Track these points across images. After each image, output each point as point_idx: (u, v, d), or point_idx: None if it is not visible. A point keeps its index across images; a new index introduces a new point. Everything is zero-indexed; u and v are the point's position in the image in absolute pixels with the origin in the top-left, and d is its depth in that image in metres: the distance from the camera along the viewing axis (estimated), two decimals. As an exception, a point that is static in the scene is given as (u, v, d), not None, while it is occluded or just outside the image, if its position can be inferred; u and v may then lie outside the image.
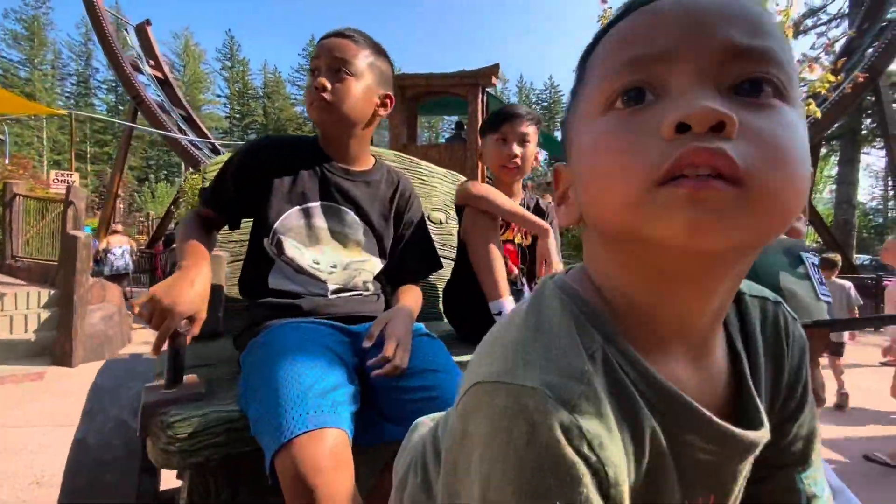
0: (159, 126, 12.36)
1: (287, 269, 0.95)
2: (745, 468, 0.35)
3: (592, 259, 0.36)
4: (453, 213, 1.58)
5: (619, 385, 0.30)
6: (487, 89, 7.34)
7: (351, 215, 0.99)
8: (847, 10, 15.04)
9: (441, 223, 1.56)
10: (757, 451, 0.35)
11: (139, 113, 12.71)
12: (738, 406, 0.36)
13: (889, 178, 11.94)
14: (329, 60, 0.92)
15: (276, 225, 0.94)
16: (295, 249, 0.94)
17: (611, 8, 5.73)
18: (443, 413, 0.51)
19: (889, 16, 11.56)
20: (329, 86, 0.91)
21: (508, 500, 0.26)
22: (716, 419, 0.32)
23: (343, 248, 0.99)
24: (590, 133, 0.32)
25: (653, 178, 0.27)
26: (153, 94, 13.40)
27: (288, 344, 0.78)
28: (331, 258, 0.97)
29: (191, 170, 8.37)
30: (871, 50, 10.86)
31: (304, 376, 0.71)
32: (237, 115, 45.75)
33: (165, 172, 39.37)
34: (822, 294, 0.66)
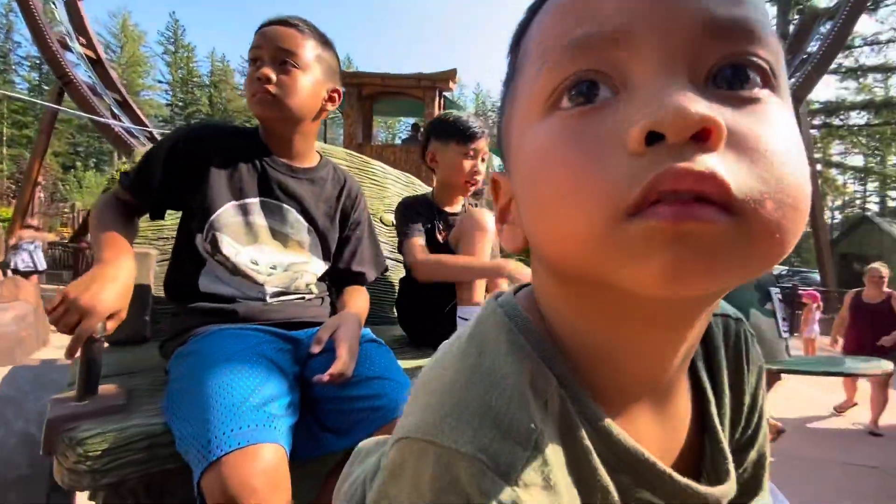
0: (89, 109, 11.37)
1: (221, 270, 0.88)
2: None
3: (541, 292, 0.30)
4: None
5: (573, 440, 0.26)
6: (445, 93, 7.37)
7: (293, 213, 0.94)
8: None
9: (394, 225, 1.53)
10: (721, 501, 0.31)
11: (66, 94, 11.65)
12: (703, 453, 0.32)
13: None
14: (273, 51, 0.86)
15: (211, 219, 0.86)
16: (231, 248, 0.88)
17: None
18: (388, 438, 0.47)
19: (809, 48, 12.78)
20: (274, 77, 0.85)
21: None
22: (678, 478, 0.28)
23: (283, 247, 0.93)
24: (530, 142, 0.25)
25: (619, 208, 0.20)
26: (83, 75, 12.35)
27: (220, 352, 0.72)
28: (270, 258, 0.91)
29: (123, 159, 7.76)
30: (792, 80, 11.95)
31: (237, 388, 0.66)
32: (180, 104, 43.08)
33: (95, 160, 36.33)
34: (784, 331, 0.68)
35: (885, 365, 2.64)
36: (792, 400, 4.28)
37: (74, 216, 16.38)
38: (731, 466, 0.32)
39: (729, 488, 0.31)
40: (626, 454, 0.27)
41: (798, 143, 0.22)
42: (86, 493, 1.03)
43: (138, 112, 13.77)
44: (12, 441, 1.13)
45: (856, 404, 3.72)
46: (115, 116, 12.23)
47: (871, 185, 30.72)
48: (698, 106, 0.20)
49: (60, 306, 0.66)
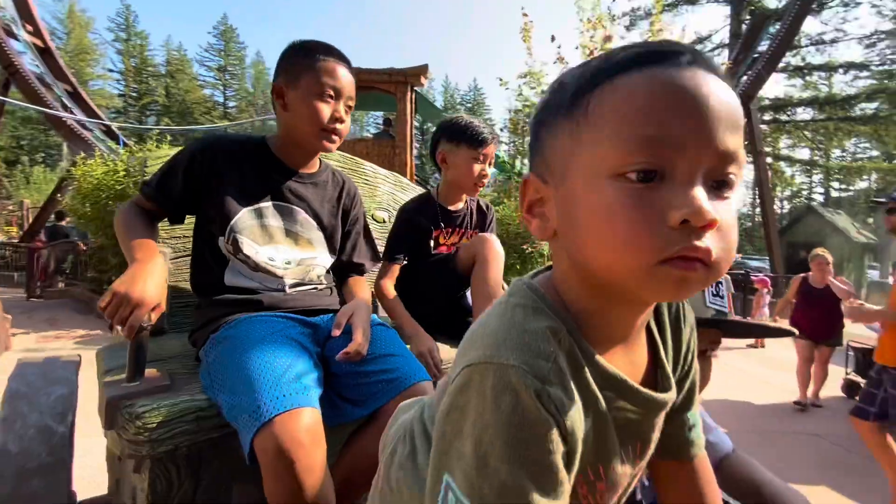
0: (38, 101, 10.77)
1: (243, 267, 0.98)
2: (661, 420, 0.47)
3: (560, 275, 0.44)
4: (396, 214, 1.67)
5: (576, 364, 0.40)
6: (416, 88, 7.43)
7: (303, 214, 1.05)
8: (727, 41, 17.33)
9: (384, 222, 1.64)
10: (668, 408, 0.47)
11: (12, 85, 10.98)
12: (654, 375, 0.48)
13: (756, 188, 13.95)
14: (346, 96, 1.00)
15: (232, 223, 0.96)
16: (251, 248, 0.98)
17: (532, 22, 6.09)
18: (422, 398, 0.60)
19: (760, 48, 13.50)
20: (344, 120, 1.00)
21: (498, 451, 0.34)
22: (641, 389, 0.43)
23: (295, 245, 1.04)
24: (601, 194, 0.37)
25: (658, 258, 0.34)
26: (31, 65, 11.66)
27: (255, 335, 0.83)
28: (285, 255, 1.02)
29: (81, 154, 7.40)
30: (744, 78, 12.60)
31: (276, 363, 0.77)
32: (133, 94, 40.98)
33: (43, 155, 34.20)
34: (711, 303, 0.78)
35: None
36: (749, 380, 4.66)
37: (23, 214, 15.47)
38: (672, 382, 0.48)
39: (672, 395, 0.48)
40: (609, 377, 0.42)
41: (736, 221, 0.38)
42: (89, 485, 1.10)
43: (91, 104, 13.13)
44: (30, 432, 1.19)
45: (806, 405, 3.92)
46: (66, 109, 11.63)
47: (817, 177, 32.75)
48: (710, 209, 0.35)
49: (113, 301, 0.75)
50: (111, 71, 40.95)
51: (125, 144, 10.05)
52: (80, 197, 6.62)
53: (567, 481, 0.37)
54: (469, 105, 48.82)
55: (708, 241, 0.35)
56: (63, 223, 9.70)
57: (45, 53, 12.41)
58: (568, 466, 0.37)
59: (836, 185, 32.49)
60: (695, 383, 0.53)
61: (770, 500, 0.65)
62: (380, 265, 1.34)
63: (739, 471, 0.69)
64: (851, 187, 30.81)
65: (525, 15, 6.35)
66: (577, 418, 0.37)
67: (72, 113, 11.50)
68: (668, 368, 0.49)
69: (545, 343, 0.38)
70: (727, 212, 0.37)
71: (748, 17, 16.02)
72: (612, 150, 0.36)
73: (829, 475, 2.56)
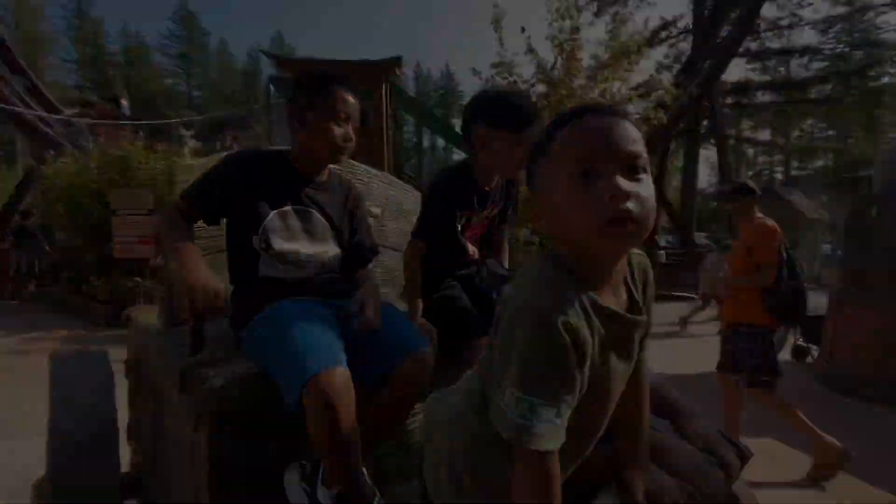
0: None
1: (273, 261, 1.18)
2: (639, 338, 0.68)
3: (560, 250, 0.65)
4: (388, 210, 1.87)
5: (583, 305, 0.60)
6: (390, 78, 7.53)
7: (317, 216, 1.25)
8: (691, 27, 17.82)
9: (378, 216, 1.83)
10: (643, 328, 0.68)
11: (-35, 80, 10.47)
12: (632, 307, 0.68)
13: (720, 170, 14.60)
14: (354, 118, 1.20)
15: (264, 224, 1.16)
16: (279, 245, 1.17)
17: (502, 11, 6.24)
18: (455, 387, 0.80)
19: (723, 34, 13.96)
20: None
21: (540, 357, 0.56)
22: (627, 314, 0.64)
23: (313, 241, 1.24)
24: (562, 193, 0.60)
25: (603, 222, 0.56)
26: (-16, 59, 11.12)
27: (293, 314, 1.03)
28: (306, 250, 1.22)
29: (51, 152, 7.24)
30: (707, 63, 13.06)
31: (313, 334, 0.98)
32: (91, 85, 39.20)
33: (1, 153, 32.50)
34: None
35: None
36: (710, 349, 5.06)
37: (-17, 215, 14.78)
38: (644, 310, 0.70)
39: (645, 318, 0.69)
40: (604, 309, 0.62)
41: (653, 192, 0.60)
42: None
43: (52, 98, 12.64)
44: (83, 408, 1.37)
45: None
46: (25, 104, 11.17)
47: (778, 157, 34.17)
48: (624, 186, 0.57)
49: (193, 295, 0.96)
50: (66, 61, 39.01)
51: (93, 140, 9.78)
52: (53, 197, 6.52)
53: (579, 380, 0.59)
54: (442, 91, 48.64)
55: (630, 205, 0.57)
56: (28, 223, 9.44)
57: (1, 48, 11.84)
58: (580, 368, 0.58)
59: (795, 164, 33.94)
60: (649, 325, 0.75)
61: (677, 412, 0.91)
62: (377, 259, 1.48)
63: (658, 394, 0.94)
64: (809, 166, 32.26)
65: (496, 6, 6.49)
66: (587, 337, 0.59)
67: (32, 109, 11.06)
68: (640, 303, 0.71)
69: (564, 291, 0.60)
70: (642, 187, 0.59)
71: (710, 2, 16.48)
72: (566, 164, 0.60)
73: (774, 426, 2.91)
